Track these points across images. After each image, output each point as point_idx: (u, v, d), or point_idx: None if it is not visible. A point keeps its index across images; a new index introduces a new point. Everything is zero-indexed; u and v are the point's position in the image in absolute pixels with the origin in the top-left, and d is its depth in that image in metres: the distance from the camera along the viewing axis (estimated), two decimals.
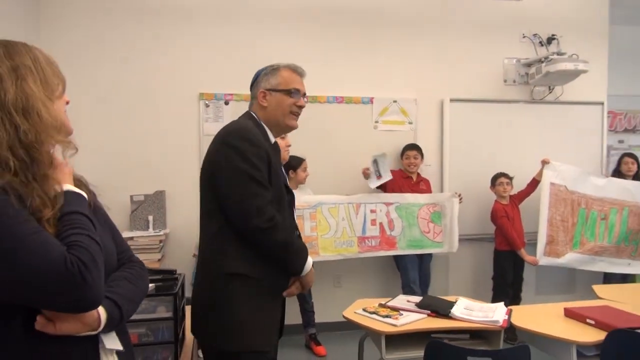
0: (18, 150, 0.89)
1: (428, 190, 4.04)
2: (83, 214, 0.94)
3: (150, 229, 3.60)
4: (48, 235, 0.86)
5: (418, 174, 4.02)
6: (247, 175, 1.58)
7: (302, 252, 1.71)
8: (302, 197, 3.60)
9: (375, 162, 3.84)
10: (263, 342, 1.63)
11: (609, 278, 4.15)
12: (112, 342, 1.00)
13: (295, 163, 3.57)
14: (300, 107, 1.79)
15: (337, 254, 3.73)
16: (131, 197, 3.65)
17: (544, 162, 3.95)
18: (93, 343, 0.96)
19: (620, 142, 5.44)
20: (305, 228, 3.62)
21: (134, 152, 3.73)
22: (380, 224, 3.82)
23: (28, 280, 0.81)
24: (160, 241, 3.54)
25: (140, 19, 3.77)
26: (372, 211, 3.81)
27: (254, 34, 3.91)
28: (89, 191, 1.10)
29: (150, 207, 3.66)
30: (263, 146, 1.64)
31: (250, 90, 1.83)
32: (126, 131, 3.73)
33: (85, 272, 0.84)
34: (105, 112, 3.71)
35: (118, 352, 1.01)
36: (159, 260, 3.48)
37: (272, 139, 1.78)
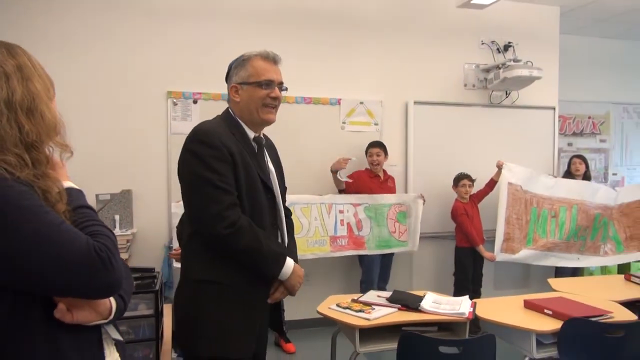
0: (20, 150, 0.91)
1: (394, 187, 4.16)
2: (89, 207, 0.99)
3: (117, 229, 3.53)
4: (71, 226, 0.90)
5: (384, 171, 4.12)
6: (203, 180, 1.53)
7: (274, 257, 1.63)
8: None
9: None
10: (234, 349, 1.58)
11: (560, 272, 4.40)
12: (114, 332, 1.02)
13: None
14: (275, 99, 1.68)
15: (310, 253, 3.78)
16: (97, 195, 3.56)
17: (499, 165, 4.15)
18: (98, 334, 1.00)
19: (569, 144, 5.78)
20: None
21: (100, 151, 3.64)
22: (348, 224, 3.90)
23: (62, 266, 0.84)
24: (127, 241, 3.48)
25: (109, 15, 3.69)
26: (341, 212, 3.90)
27: (223, 33, 3.91)
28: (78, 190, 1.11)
29: (117, 206, 3.59)
30: (223, 147, 1.55)
31: (226, 83, 1.75)
32: (93, 129, 3.64)
33: (112, 257, 0.89)
34: (71, 110, 3.56)
35: (116, 343, 1.04)
36: (126, 260, 3.42)
37: (252, 134, 1.70)
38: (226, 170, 1.55)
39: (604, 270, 4.79)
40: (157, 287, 1.85)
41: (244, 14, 3.97)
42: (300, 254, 3.66)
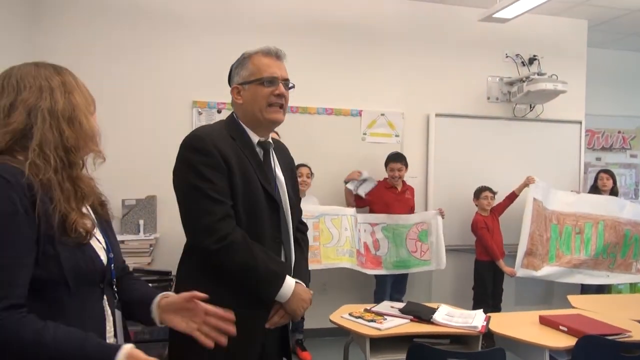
0: (60, 152, 1.04)
1: (412, 198, 4.14)
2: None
3: (141, 233, 3.66)
4: (15, 275, 0.94)
5: (403, 182, 4.11)
6: (194, 190, 1.41)
7: (270, 278, 1.45)
8: (306, 207, 3.67)
9: (362, 180, 3.96)
10: None
11: (585, 290, 4.30)
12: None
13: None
14: (280, 96, 1.53)
15: (339, 261, 3.71)
16: (123, 201, 3.71)
17: (530, 181, 4.08)
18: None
19: (598, 159, 5.65)
20: (309, 237, 3.64)
21: (127, 157, 3.78)
22: (365, 243, 3.86)
23: None
24: (150, 245, 3.60)
25: (135, 26, 3.86)
26: (359, 230, 3.86)
27: (247, 44, 3.95)
28: (103, 205, 1.22)
29: (142, 211, 3.72)
30: (217, 153, 1.43)
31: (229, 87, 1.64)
32: (120, 137, 3.79)
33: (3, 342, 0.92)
34: (99, 118, 3.76)
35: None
36: (149, 264, 3.53)
37: (256, 139, 1.56)
38: (219, 178, 1.42)
39: (634, 288, 4.65)
40: (173, 290, 1.92)
41: (267, 26, 4.08)
42: (330, 262, 3.67)
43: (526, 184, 4.10)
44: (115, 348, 0.98)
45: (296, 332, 3.85)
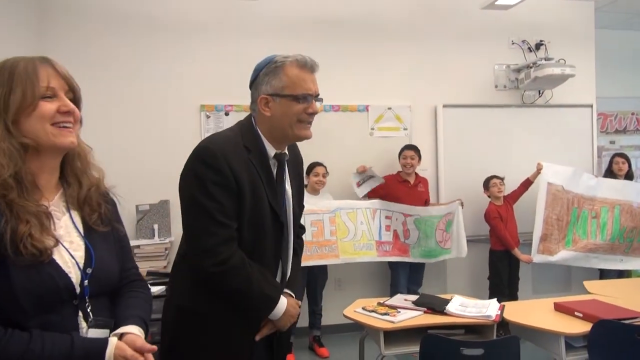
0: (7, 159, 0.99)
1: (426, 191, 4.13)
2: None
3: (156, 237, 3.72)
4: None
5: (416, 175, 4.10)
6: (201, 209, 1.35)
7: (265, 301, 1.44)
8: (321, 202, 3.71)
9: (368, 176, 3.95)
10: None
11: (605, 275, 4.25)
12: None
13: (309, 168, 3.70)
14: (312, 114, 1.46)
15: (357, 256, 3.78)
16: (137, 206, 3.77)
17: (539, 168, 4.04)
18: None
19: (612, 142, 5.57)
20: (325, 232, 3.69)
21: (139, 163, 3.86)
22: (395, 231, 3.88)
23: None
24: (166, 249, 3.66)
25: (143, 32, 3.92)
26: (387, 217, 3.87)
27: (253, 46, 4.04)
28: (107, 203, 1.18)
29: (156, 216, 3.78)
30: (230, 172, 1.36)
31: (250, 90, 1.51)
32: (131, 142, 3.87)
33: None
34: (110, 124, 3.84)
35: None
36: (165, 267, 3.59)
37: (272, 152, 1.48)
38: (228, 199, 1.36)
39: None
40: (167, 292, 1.95)
41: (272, 25, 4.11)
42: (348, 257, 3.74)
43: (539, 171, 4.05)
44: (103, 344, 0.99)
45: (314, 328, 3.88)
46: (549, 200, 3.98)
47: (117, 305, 1.16)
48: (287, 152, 1.55)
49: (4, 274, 0.92)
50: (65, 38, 3.78)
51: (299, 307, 1.56)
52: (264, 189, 1.44)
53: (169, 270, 3.61)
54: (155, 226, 3.76)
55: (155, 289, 1.93)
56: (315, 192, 3.76)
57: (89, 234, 1.10)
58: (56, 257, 1.00)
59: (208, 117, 3.99)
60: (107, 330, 1.06)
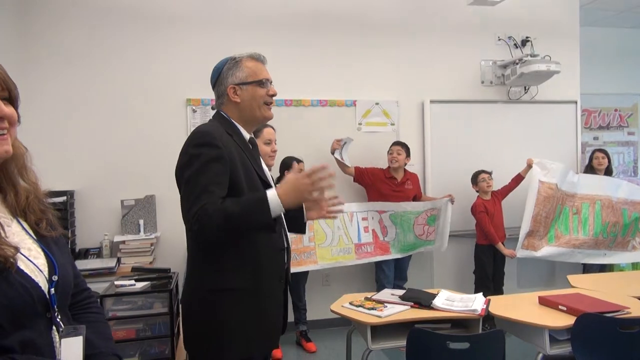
0: None
1: (415, 188, 4.12)
2: None
3: (142, 233, 3.67)
4: None
5: (405, 171, 4.11)
6: (198, 184, 1.48)
7: (255, 206, 1.47)
8: None
9: (344, 143, 3.95)
10: (254, 349, 1.59)
11: (588, 269, 4.32)
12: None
13: (289, 163, 3.64)
14: (273, 96, 1.71)
15: (335, 261, 3.82)
16: (122, 201, 3.72)
17: (529, 163, 4.07)
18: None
19: (595, 138, 5.65)
20: (304, 238, 3.71)
21: (124, 158, 3.81)
22: (373, 230, 3.91)
23: None
24: (152, 244, 3.62)
25: (128, 25, 3.85)
26: (364, 219, 3.90)
27: (239, 40, 4.01)
28: (54, 220, 1.07)
29: (141, 211, 3.74)
30: (223, 148, 1.52)
31: (213, 89, 1.73)
32: (116, 137, 3.81)
33: None
34: (95, 119, 3.78)
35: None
36: (151, 262, 3.56)
37: (247, 135, 1.70)
38: (222, 171, 1.51)
39: (636, 266, 4.66)
40: (172, 287, 1.95)
41: (257, 20, 4.07)
42: (326, 262, 3.79)
43: (530, 167, 4.09)
44: None
45: (300, 323, 3.88)
46: (540, 198, 3.99)
47: (88, 330, 1.05)
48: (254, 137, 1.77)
49: None
50: (46, 32, 3.70)
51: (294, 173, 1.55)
52: (251, 164, 1.63)
53: (155, 265, 3.60)
54: (141, 221, 3.72)
55: (140, 285, 1.91)
56: None
57: (42, 240, 1.01)
58: (21, 265, 0.91)
59: (194, 111, 3.95)
60: (81, 338, 1.00)
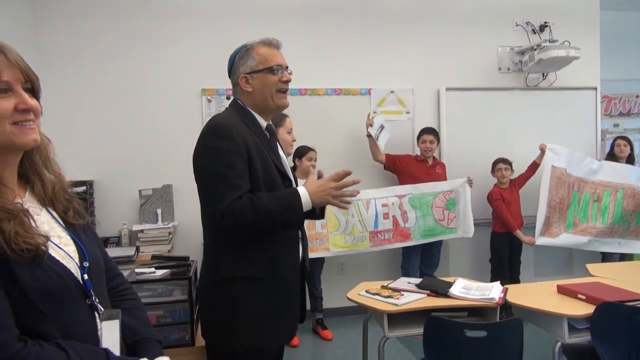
0: None
1: (444, 173, 4.12)
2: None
3: (159, 222, 3.73)
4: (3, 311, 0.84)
5: (434, 157, 4.10)
6: (219, 176, 1.48)
7: (289, 202, 1.52)
8: None
9: (382, 127, 3.93)
10: (273, 337, 1.61)
11: (607, 258, 4.26)
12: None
13: (302, 152, 3.64)
14: (287, 82, 1.66)
15: (348, 249, 3.81)
16: (140, 191, 3.77)
17: (542, 148, 4.03)
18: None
19: (616, 125, 5.53)
20: (316, 225, 3.70)
21: (141, 148, 3.85)
22: (394, 217, 3.85)
23: None
24: (169, 233, 3.67)
25: (143, 16, 3.88)
26: (384, 205, 3.83)
27: (253, 29, 3.95)
28: (80, 208, 1.09)
29: (159, 200, 3.79)
30: (239, 139, 1.51)
31: (230, 78, 1.71)
32: (133, 128, 3.86)
33: None
34: (112, 110, 3.83)
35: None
36: (169, 251, 3.61)
37: (264, 124, 1.68)
38: (242, 164, 1.51)
39: None
40: (191, 275, 1.97)
41: (272, 9, 4.06)
42: (339, 250, 3.78)
43: (543, 152, 4.04)
44: None
45: (316, 311, 3.91)
46: (553, 183, 3.95)
47: (128, 316, 1.11)
48: (272, 124, 1.74)
49: (10, 276, 0.86)
50: (62, 24, 3.74)
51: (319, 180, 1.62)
52: (267, 153, 1.60)
53: (173, 253, 3.65)
54: (159, 211, 3.77)
55: (160, 273, 1.94)
56: (305, 176, 3.71)
57: (71, 228, 1.04)
58: (52, 253, 0.94)
59: (209, 101, 3.96)
60: (118, 322, 1.03)
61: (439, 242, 4.08)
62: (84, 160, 3.74)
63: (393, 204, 3.86)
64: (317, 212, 1.73)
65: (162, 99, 3.91)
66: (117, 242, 3.64)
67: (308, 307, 3.84)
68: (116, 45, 3.84)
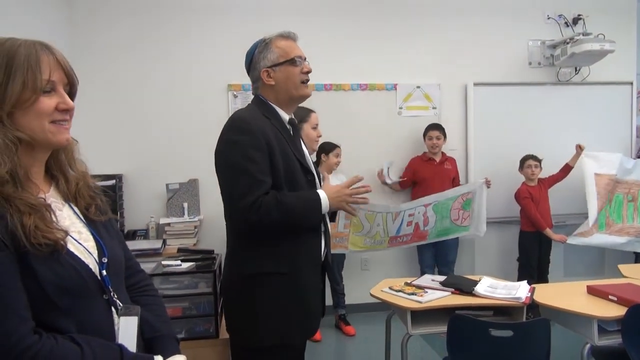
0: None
1: (454, 169, 4.08)
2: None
3: (186, 216, 3.79)
4: (15, 301, 0.85)
5: (442, 153, 4.06)
6: (242, 171, 1.49)
7: (310, 204, 1.57)
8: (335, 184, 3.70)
9: (388, 168, 4.04)
10: (297, 333, 1.62)
11: None
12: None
13: (329, 148, 3.64)
14: (308, 73, 1.67)
15: (365, 249, 3.85)
16: (167, 185, 3.84)
17: (580, 148, 3.91)
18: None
19: None
20: (339, 224, 3.71)
21: (168, 143, 3.92)
22: (416, 223, 3.83)
23: None
24: (195, 227, 3.73)
25: (172, 15, 3.94)
26: (411, 215, 3.81)
27: (278, 25, 3.90)
28: (103, 205, 1.11)
29: (185, 194, 3.85)
30: (260, 134, 1.52)
31: (249, 74, 1.72)
32: (161, 123, 3.93)
33: None
34: (140, 106, 3.91)
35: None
36: (195, 244, 3.66)
37: (286, 117, 1.68)
38: (263, 159, 1.51)
39: None
40: (215, 268, 2.00)
41: (297, 5, 4.06)
42: (356, 249, 3.81)
43: (579, 154, 3.92)
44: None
45: (338, 307, 3.91)
46: (601, 192, 3.81)
47: (147, 312, 1.11)
48: (295, 118, 1.74)
49: (29, 269, 0.87)
50: (93, 23, 3.83)
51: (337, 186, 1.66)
52: (289, 147, 1.61)
53: (199, 247, 3.70)
54: (185, 204, 3.83)
55: (185, 265, 1.97)
56: (329, 171, 3.72)
57: (92, 224, 1.05)
58: (71, 248, 0.95)
59: (235, 96, 4.00)
60: (136, 318, 1.04)
61: (455, 240, 4.03)
62: (114, 154, 3.83)
63: (419, 212, 3.82)
64: (330, 216, 1.74)
65: (189, 95, 3.96)
66: (145, 235, 3.72)
67: (329, 302, 3.85)
68: (145, 40, 3.91)
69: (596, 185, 3.82)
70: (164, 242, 3.56)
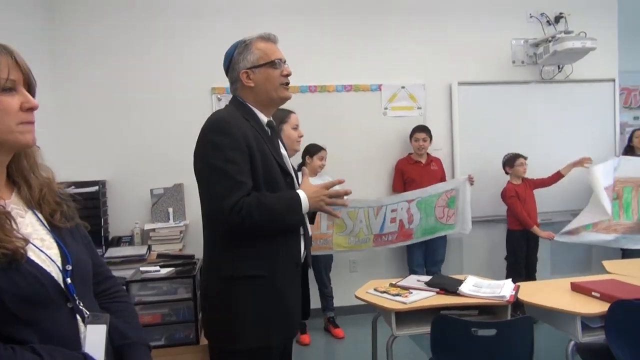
0: None
1: (440, 169, 4.09)
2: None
3: (171, 221, 3.75)
4: None
5: (428, 154, 4.07)
6: (222, 173, 1.47)
7: (292, 205, 1.55)
8: None
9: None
10: (276, 335, 1.59)
11: (628, 255, 4.12)
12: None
13: (313, 150, 3.61)
14: (288, 76, 1.66)
15: (350, 248, 3.83)
16: (151, 190, 3.80)
17: (584, 162, 3.91)
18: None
19: (636, 118, 5.36)
20: (322, 226, 3.69)
21: (152, 147, 3.88)
22: (400, 220, 3.83)
23: None
24: (181, 232, 3.69)
25: (154, 16, 3.90)
26: (393, 210, 3.81)
27: (262, 27, 3.89)
28: (69, 211, 1.08)
29: (170, 199, 3.81)
30: (240, 135, 1.51)
31: (227, 75, 1.70)
32: (144, 127, 3.89)
33: None
34: (123, 110, 3.86)
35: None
36: (180, 249, 3.63)
37: (264, 119, 1.66)
38: (243, 160, 1.50)
39: None
40: (196, 273, 1.98)
41: (280, 6, 4.04)
42: (341, 249, 3.78)
43: (577, 165, 3.93)
44: None
45: (327, 310, 3.89)
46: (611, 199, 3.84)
47: (117, 319, 1.09)
48: (273, 120, 1.72)
49: None
50: (74, 25, 3.78)
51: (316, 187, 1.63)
52: (268, 149, 1.59)
53: (185, 252, 3.66)
54: (170, 209, 3.79)
55: (164, 271, 1.94)
56: (314, 174, 3.70)
57: (57, 231, 1.02)
58: (32, 256, 0.93)
59: (219, 99, 3.97)
60: (105, 326, 1.01)
61: (443, 239, 4.04)
62: (97, 160, 3.78)
63: (402, 209, 3.83)
64: (309, 217, 1.72)
65: (172, 98, 3.93)
66: (130, 241, 3.68)
67: (317, 305, 3.84)
68: (127, 45, 3.87)
69: (607, 197, 3.79)
70: (149, 248, 3.52)
